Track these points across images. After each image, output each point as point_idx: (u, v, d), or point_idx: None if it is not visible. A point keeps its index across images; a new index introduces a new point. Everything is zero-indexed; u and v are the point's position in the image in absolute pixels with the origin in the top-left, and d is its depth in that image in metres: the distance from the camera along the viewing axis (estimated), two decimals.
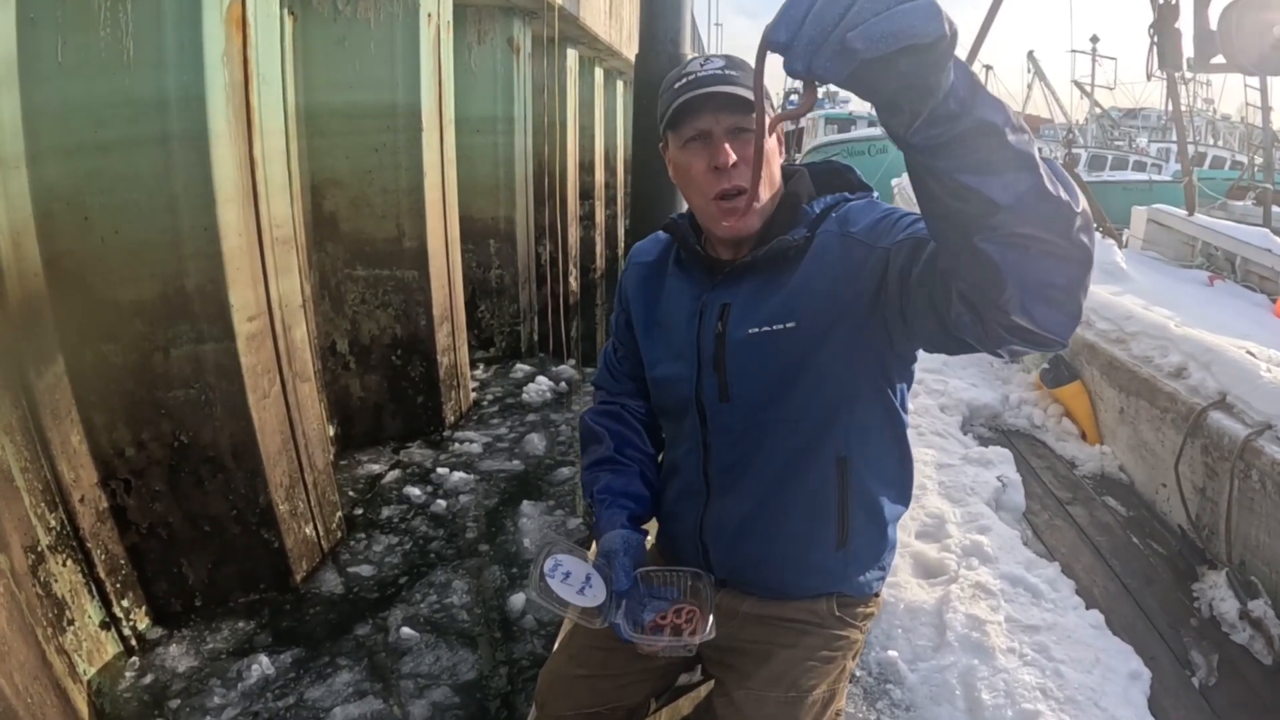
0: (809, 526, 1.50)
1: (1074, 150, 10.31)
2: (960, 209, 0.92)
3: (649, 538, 1.63)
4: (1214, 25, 5.98)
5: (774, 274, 1.42)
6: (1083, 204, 0.94)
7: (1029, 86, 35.65)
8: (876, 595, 1.65)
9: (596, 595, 1.43)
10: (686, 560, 1.64)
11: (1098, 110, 29.97)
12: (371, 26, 5.32)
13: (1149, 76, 8.01)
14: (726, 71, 1.37)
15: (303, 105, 5.27)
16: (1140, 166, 23.03)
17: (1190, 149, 11.49)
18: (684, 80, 1.39)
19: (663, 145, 1.49)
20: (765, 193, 1.42)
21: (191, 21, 3.25)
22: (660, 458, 1.75)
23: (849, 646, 1.60)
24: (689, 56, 4.79)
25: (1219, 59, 6.02)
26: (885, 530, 1.57)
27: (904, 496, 1.60)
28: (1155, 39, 7.25)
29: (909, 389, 1.52)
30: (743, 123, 1.36)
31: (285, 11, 4.95)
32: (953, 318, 1.10)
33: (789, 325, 1.39)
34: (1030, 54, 34.47)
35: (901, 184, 12.10)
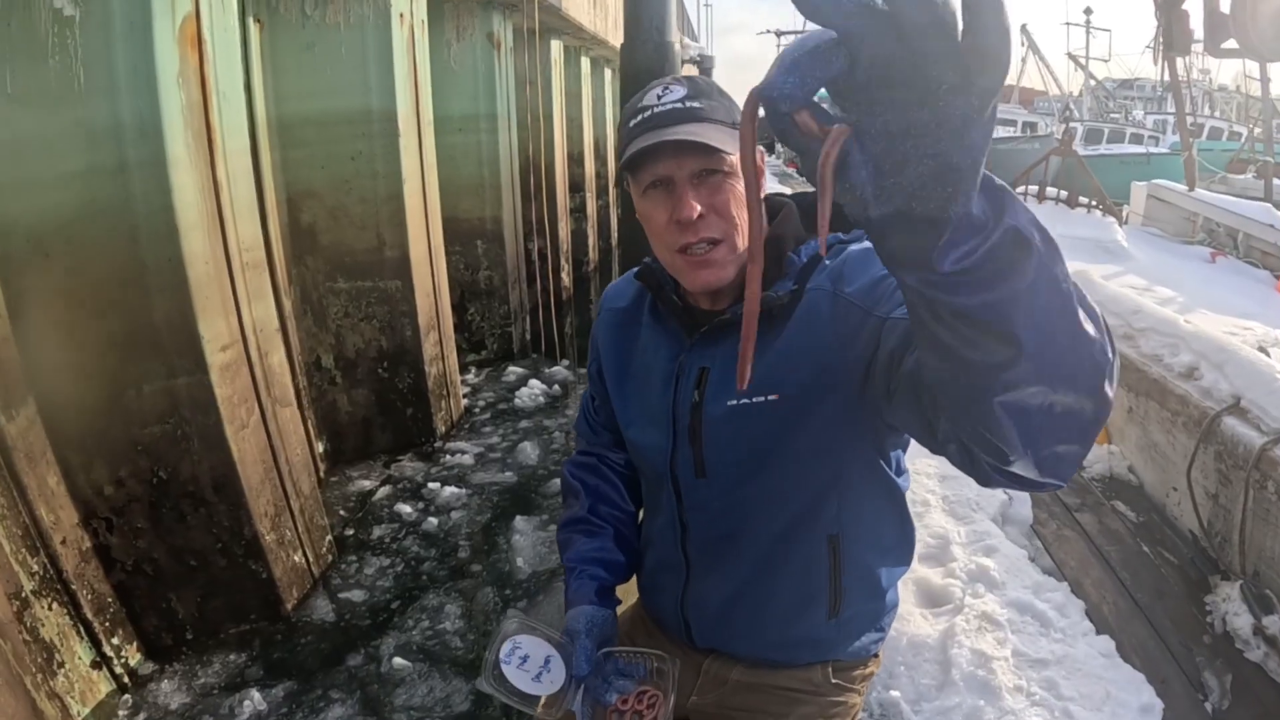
0: (798, 604, 1.39)
1: (1071, 125, 10.20)
2: (977, 360, 0.73)
3: (629, 601, 1.53)
4: (1225, 7, 5.81)
5: (761, 335, 1.26)
6: (1113, 347, 0.77)
7: (1023, 60, 35.55)
8: (876, 655, 1.55)
9: (555, 679, 1.33)
10: (669, 628, 1.55)
11: (1092, 82, 29.82)
12: (341, 30, 5.16)
13: (1156, 60, 7.89)
14: (689, 104, 1.19)
15: (274, 116, 5.12)
16: (1137, 139, 22.99)
17: (1188, 120, 11.37)
18: (639, 118, 1.21)
19: (622, 181, 1.31)
20: (741, 238, 1.23)
21: (143, 43, 3.11)
22: (641, 516, 1.63)
23: (847, 712, 1.50)
24: (675, 44, 4.66)
25: (1231, 43, 5.85)
26: (883, 596, 1.46)
27: (905, 558, 1.48)
28: (1162, 21, 7.09)
29: (905, 451, 1.38)
30: (709, 164, 1.18)
31: (251, 20, 4.80)
32: (939, 444, 0.96)
33: (771, 398, 1.24)
34: (1024, 27, 34.29)
35: None
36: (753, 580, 1.38)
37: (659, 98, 1.21)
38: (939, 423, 0.94)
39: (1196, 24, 6.52)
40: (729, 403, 1.28)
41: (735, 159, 1.17)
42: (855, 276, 1.23)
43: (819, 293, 1.24)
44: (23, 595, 3.01)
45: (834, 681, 1.48)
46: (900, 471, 1.37)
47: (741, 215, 1.21)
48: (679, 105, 1.19)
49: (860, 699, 1.54)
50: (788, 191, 1.46)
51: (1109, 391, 0.76)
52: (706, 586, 1.43)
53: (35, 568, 3.10)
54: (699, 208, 1.19)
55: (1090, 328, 0.73)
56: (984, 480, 0.91)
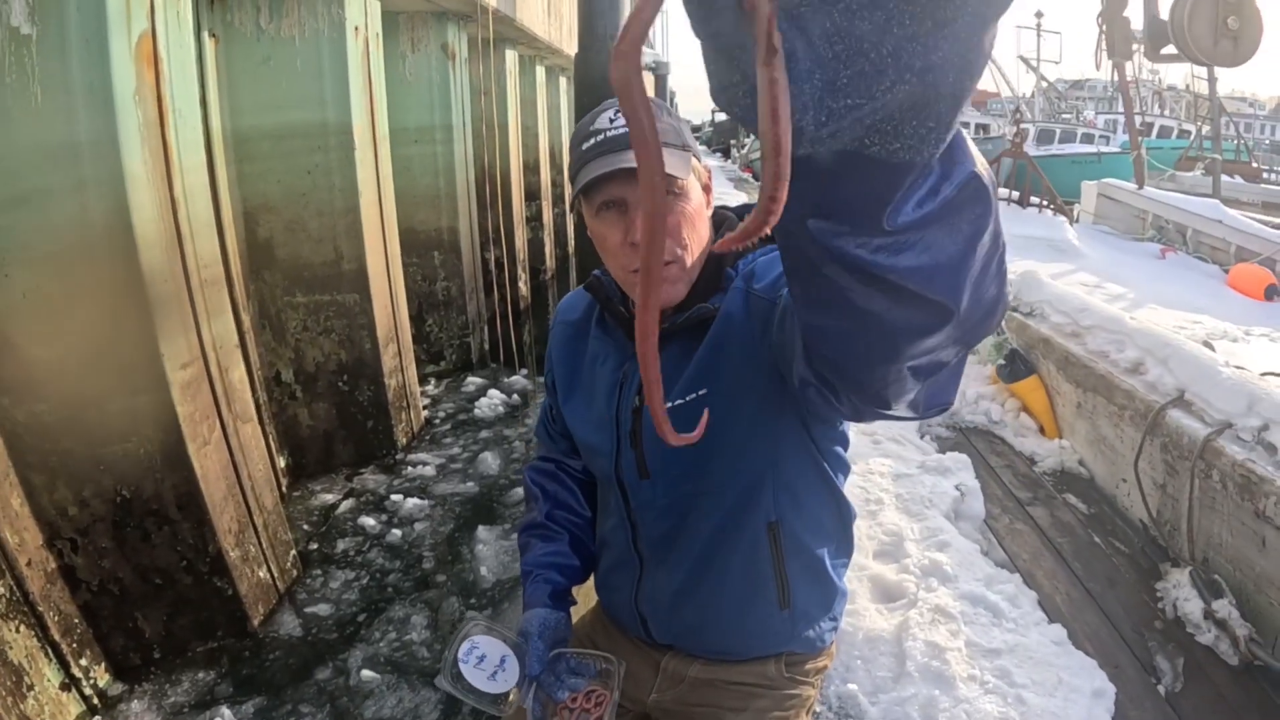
0: (747, 592, 1.44)
1: (1022, 126, 10.39)
2: (898, 326, 0.67)
3: (589, 604, 1.58)
4: (1164, 14, 6.02)
5: (694, 341, 1.31)
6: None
7: None
8: (829, 647, 1.61)
9: (510, 678, 1.41)
10: (626, 627, 1.61)
11: (1044, 84, 30.38)
12: (297, 44, 5.15)
13: (1098, 66, 8.09)
14: None
15: (229, 129, 5.10)
16: (1088, 139, 23.45)
17: (1138, 120, 11.65)
18: (591, 141, 1.22)
19: (575, 204, 1.33)
20: (691, 257, 1.26)
21: (100, 61, 3.09)
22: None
23: (802, 704, 1.56)
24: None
25: (1170, 49, 6.06)
26: (830, 583, 1.51)
27: (846, 546, 1.54)
28: (1104, 28, 7.31)
29: (845, 447, 1.43)
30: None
31: (206, 34, 4.78)
32: (797, 389, 1.00)
33: (700, 393, 1.29)
34: None
35: None
36: (700, 572, 1.43)
37: (610, 121, 1.23)
38: (794, 367, 0.97)
39: (1139, 28, 6.76)
40: (666, 405, 1.33)
41: (686, 181, 1.21)
42: (766, 273, 1.28)
43: (735, 292, 1.29)
44: None
45: (787, 675, 1.53)
46: (836, 460, 1.42)
47: (693, 235, 1.25)
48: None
49: (814, 692, 1.59)
50: (744, 199, 1.51)
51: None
52: (658, 582, 1.48)
53: (1, 590, 3.08)
54: None
55: (1007, 270, 0.68)
56: (854, 418, 0.94)
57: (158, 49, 3.36)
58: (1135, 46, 7.25)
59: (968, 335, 0.70)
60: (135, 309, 3.31)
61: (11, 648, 3.06)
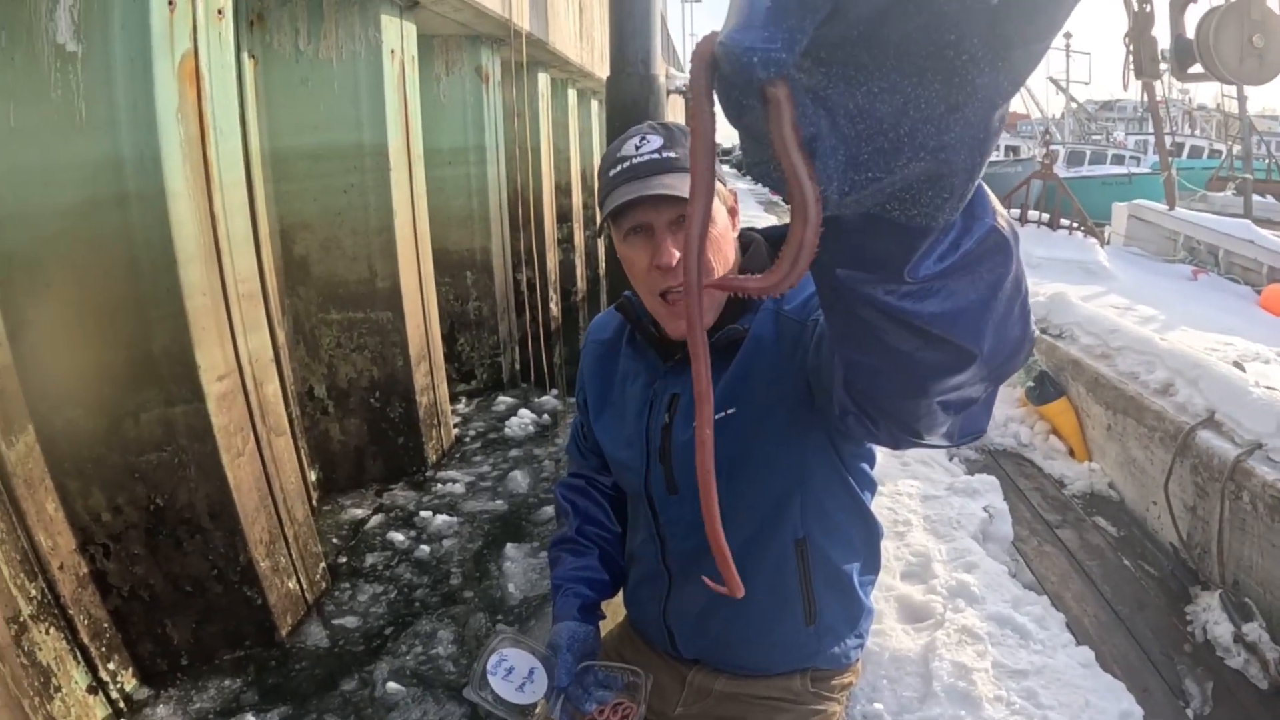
0: (773, 608, 1.46)
1: (1052, 147, 10.34)
2: (925, 364, 0.71)
3: (618, 618, 1.60)
4: (1190, 33, 6.01)
5: (720, 362, 1.33)
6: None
7: None
8: (855, 663, 1.61)
9: (538, 690, 1.43)
10: (653, 640, 1.63)
11: (1074, 105, 30.24)
12: (334, 66, 5.28)
13: (1125, 86, 8.06)
14: (665, 154, 1.23)
15: (267, 149, 5.22)
16: (1119, 160, 23.24)
17: (1168, 140, 11.57)
18: (619, 168, 1.26)
19: (604, 228, 1.36)
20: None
21: (143, 79, 3.20)
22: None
23: None
24: (660, 77, 4.76)
25: (1197, 68, 6.04)
26: (857, 600, 1.53)
27: (873, 564, 1.56)
28: (1131, 48, 7.29)
29: (871, 464, 1.46)
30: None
31: (245, 55, 4.90)
32: (837, 417, 1.04)
33: (729, 412, 1.32)
34: None
35: None
36: None
37: (637, 148, 1.26)
38: (834, 395, 1.00)
39: (1166, 47, 6.75)
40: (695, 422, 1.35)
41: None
42: (796, 294, 1.31)
43: (765, 313, 1.33)
44: (21, 619, 3.05)
45: (812, 690, 1.54)
46: (862, 478, 1.44)
47: (718, 258, 1.27)
48: (656, 156, 1.23)
49: (840, 709, 1.59)
50: (773, 220, 1.54)
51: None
52: (686, 596, 1.50)
53: (33, 592, 3.15)
54: (678, 254, 1.22)
55: (1030, 311, 0.72)
56: (891, 446, 0.97)
57: (200, 68, 3.45)
58: (1162, 66, 7.22)
59: (994, 374, 0.74)
60: (174, 321, 3.40)
61: (41, 649, 3.12)
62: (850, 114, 0.46)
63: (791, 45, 0.42)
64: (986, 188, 0.59)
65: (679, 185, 1.20)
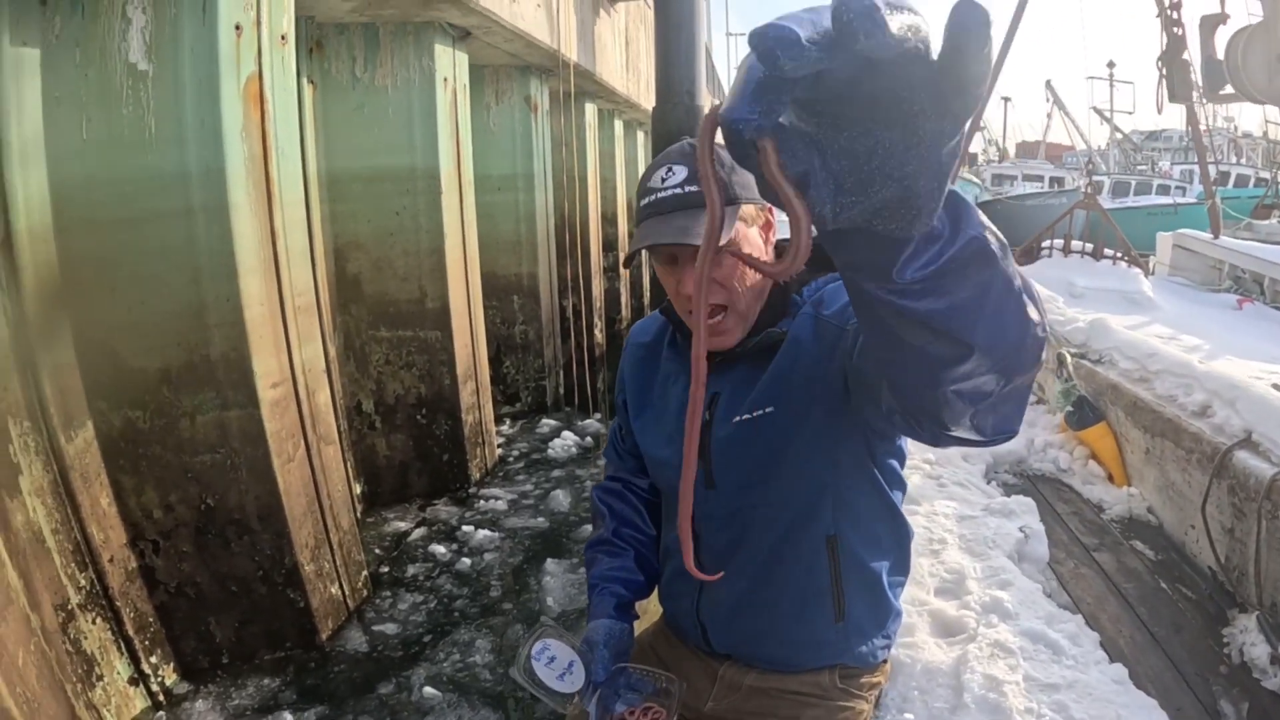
0: (803, 603, 1.51)
1: (1095, 179, 10.27)
2: (932, 355, 0.82)
3: (652, 618, 1.65)
4: (1220, 54, 6.02)
5: (759, 362, 1.42)
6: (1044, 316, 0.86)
7: (1049, 115, 35.80)
8: (883, 664, 1.66)
9: (576, 681, 1.51)
10: (686, 635, 1.68)
11: (1118, 135, 29.97)
12: (389, 93, 5.47)
13: (1160, 110, 8.04)
14: (687, 189, 1.30)
15: (324, 171, 5.42)
16: (1164, 190, 22.99)
17: (1213, 169, 11.44)
18: (646, 200, 1.35)
19: (634, 256, 1.43)
20: (744, 300, 1.38)
21: (210, 98, 3.36)
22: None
23: (854, 717, 1.59)
24: (705, 107, 4.86)
25: (1228, 89, 6.03)
26: (886, 600, 1.57)
27: (903, 565, 1.61)
28: (1164, 71, 7.30)
29: (902, 463, 1.51)
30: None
31: (304, 80, 5.10)
32: (883, 415, 1.12)
33: (768, 410, 1.39)
34: (1048, 83, 34.60)
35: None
36: (759, 581, 1.50)
37: (663, 180, 1.33)
38: (881, 395, 1.08)
39: (1197, 72, 6.75)
40: (734, 419, 1.43)
41: (733, 234, 1.31)
42: (834, 300, 1.39)
43: (804, 318, 1.41)
44: (69, 608, 3.17)
45: (840, 686, 1.58)
46: (892, 476, 1.50)
47: (744, 283, 1.37)
48: (678, 191, 1.31)
49: (868, 707, 1.62)
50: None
51: (1038, 360, 0.87)
52: (719, 590, 1.55)
53: (83, 582, 3.27)
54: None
55: (1034, 313, 0.81)
56: (933, 443, 1.05)
57: (264, 90, 3.61)
58: (1195, 89, 7.21)
59: (1000, 366, 0.83)
60: (232, 329, 3.53)
61: (86, 638, 3.23)
62: (836, 153, 0.60)
63: (770, 114, 0.56)
64: (973, 206, 0.74)
65: (694, 226, 1.27)
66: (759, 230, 1.38)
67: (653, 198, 1.33)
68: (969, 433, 0.95)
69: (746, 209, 1.35)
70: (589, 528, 5.42)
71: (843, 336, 1.32)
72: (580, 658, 1.52)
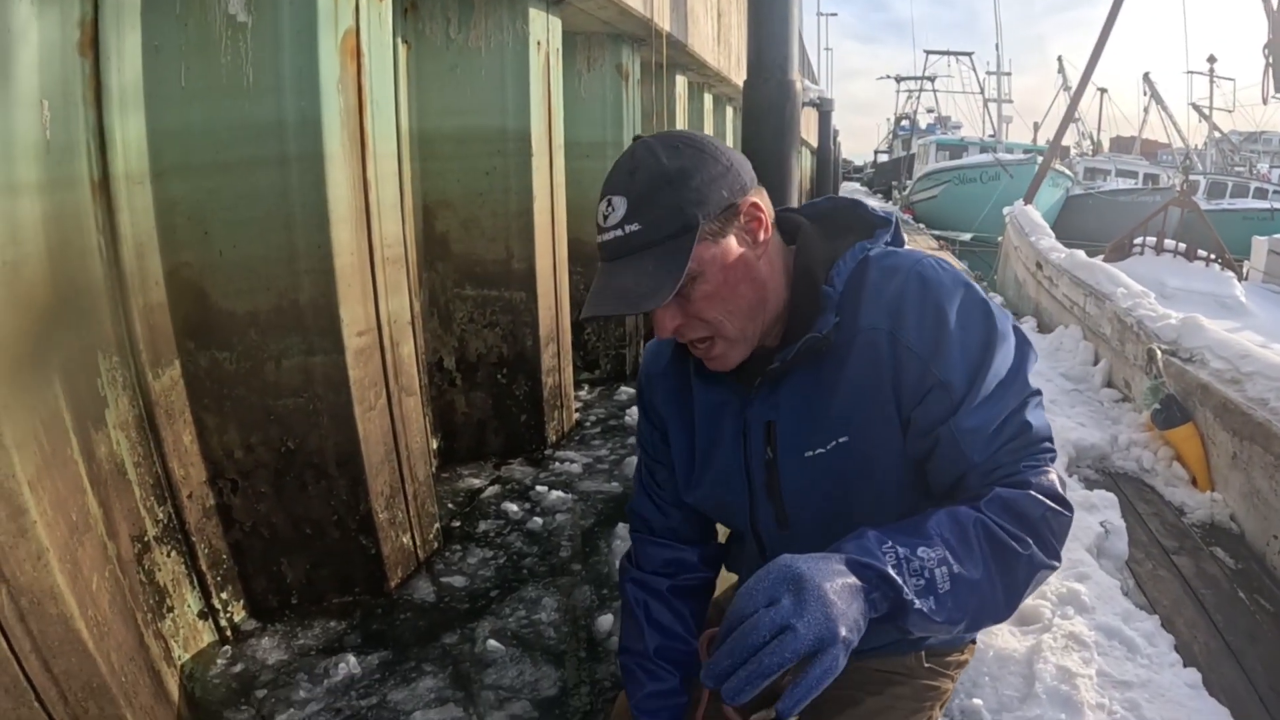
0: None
1: (1191, 177, 9.89)
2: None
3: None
4: None
5: (814, 375, 1.27)
6: (1047, 558, 1.14)
7: (1145, 110, 34.64)
8: (971, 643, 1.62)
9: None
10: None
11: (1216, 134, 28.75)
12: (482, 54, 5.50)
13: (1265, 100, 7.68)
14: (628, 229, 1.16)
15: (415, 130, 5.48)
16: (1261, 194, 22.17)
17: None
18: (597, 239, 1.22)
19: None
20: (735, 320, 1.24)
21: (308, 50, 3.41)
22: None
23: (938, 696, 1.56)
24: (796, 84, 4.78)
25: None
26: None
27: None
28: (1270, 59, 6.95)
29: None
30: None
31: (399, 40, 5.15)
32: None
33: (841, 440, 1.26)
34: (1146, 76, 33.38)
35: (1013, 213, 11.64)
36: None
37: (605, 218, 1.19)
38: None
39: None
40: (805, 454, 1.30)
41: (694, 266, 1.16)
42: (908, 313, 1.21)
43: (876, 333, 1.22)
44: (145, 540, 3.27)
45: (927, 665, 1.53)
46: None
47: (731, 299, 1.22)
48: (619, 233, 1.17)
49: (952, 685, 1.59)
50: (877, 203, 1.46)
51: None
52: None
53: (161, 516, 3.38)
54: (670, 327, 1.23)
55: (1022, 574, 1.10)
56: None
57: (360, 45, 3.66)
58: None
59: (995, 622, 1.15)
60: (322, 276, 3.59)
61: (160, 570, 3.34)
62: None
63: (741, 693, 0.96)
64: (936, 615, 1.04)
65: (638, 283, 1.15)
66: (737, 236, 1.22)
67: (598, 238, 1.21)
68: None
69: (710, 226, 1.18)
70: None
71: (925, 379, 1.19)
72: None
